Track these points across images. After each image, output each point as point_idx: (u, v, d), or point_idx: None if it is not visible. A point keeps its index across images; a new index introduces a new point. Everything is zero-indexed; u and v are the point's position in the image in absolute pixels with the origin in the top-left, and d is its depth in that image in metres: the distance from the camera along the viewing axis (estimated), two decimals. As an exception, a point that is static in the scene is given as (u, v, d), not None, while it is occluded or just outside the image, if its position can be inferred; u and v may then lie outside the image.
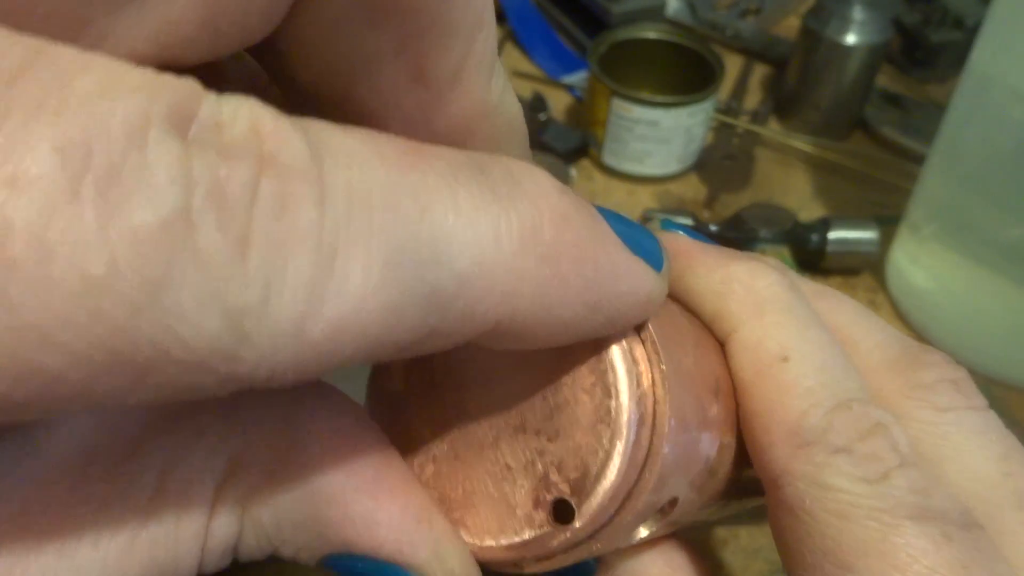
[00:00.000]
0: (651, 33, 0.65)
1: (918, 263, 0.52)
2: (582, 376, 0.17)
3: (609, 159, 0.62)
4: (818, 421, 0.18)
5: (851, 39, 0.62)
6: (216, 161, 0.11)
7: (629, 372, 0.16)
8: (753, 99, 0.71)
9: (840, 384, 0.19)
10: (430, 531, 0.17)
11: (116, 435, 0.16)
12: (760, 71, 0.74)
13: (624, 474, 0.16)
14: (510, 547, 0.17)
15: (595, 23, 0.71)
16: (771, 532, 0.19)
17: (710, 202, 0.61)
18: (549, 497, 0.16)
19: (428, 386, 0.19)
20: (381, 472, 0.17)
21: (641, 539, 0.19)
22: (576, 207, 0.15)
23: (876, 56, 0.63)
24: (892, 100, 0.68)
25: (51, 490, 0.15)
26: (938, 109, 0.67)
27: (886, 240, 0.56)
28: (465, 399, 0.18)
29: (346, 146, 0.13)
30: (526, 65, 0.74)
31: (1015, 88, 0.43)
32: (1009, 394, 0.49)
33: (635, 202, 0.61)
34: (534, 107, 0.64)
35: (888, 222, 0.56)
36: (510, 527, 0.17)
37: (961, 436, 0.20)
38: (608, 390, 0.16)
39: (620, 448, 0.16)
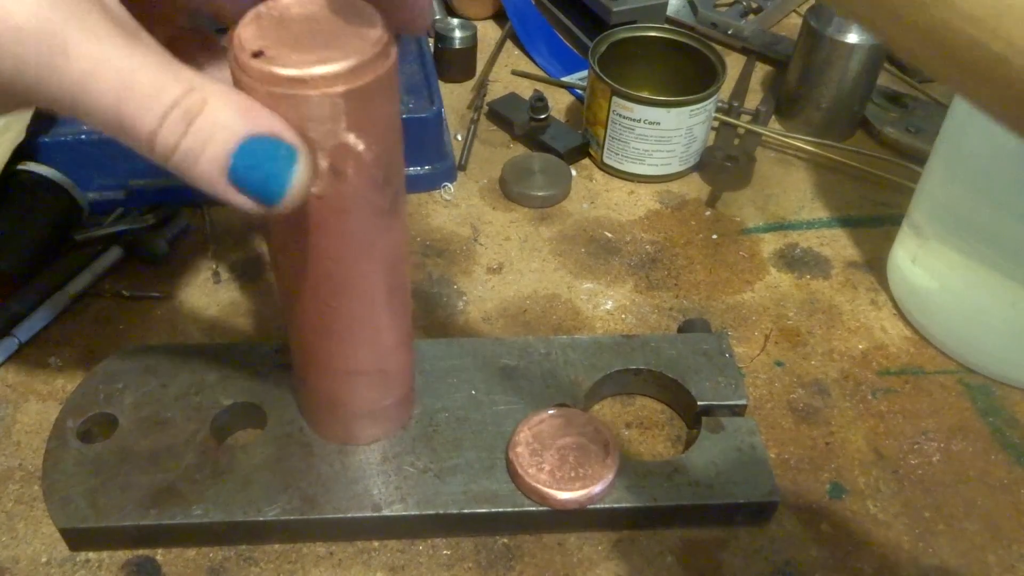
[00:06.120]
0: (652, 32, 0.65)
1: (919, 263, 0.52)
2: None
3: (610, 159, 0.62)
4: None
5: (852, 38, 0.62)
6: None
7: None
8: (754, 98, 0.71)
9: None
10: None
11: None
12: (761, 70, 0.74)
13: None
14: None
15: (596, 22, 0.71)
16: None
17: (712, 201, 0.61)
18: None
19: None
20: None
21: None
22: None
23: (878, 55, 0.63)
24: (894, 99, 0.68)
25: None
26: (940, 108, 0.67)
27: (887, 240, 0.56)
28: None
29: None
30: (527, 64, 0.74)
31: (1016, 88, 0.43)
32: (1009, 394, 0.49)
33: (636, 202, 0.61)
34: (535, 107, 0.64)
35: (890, 222, 0.55)
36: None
37: None
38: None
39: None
